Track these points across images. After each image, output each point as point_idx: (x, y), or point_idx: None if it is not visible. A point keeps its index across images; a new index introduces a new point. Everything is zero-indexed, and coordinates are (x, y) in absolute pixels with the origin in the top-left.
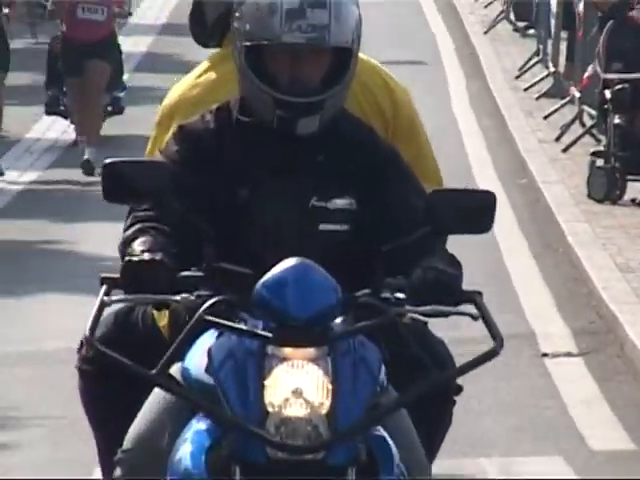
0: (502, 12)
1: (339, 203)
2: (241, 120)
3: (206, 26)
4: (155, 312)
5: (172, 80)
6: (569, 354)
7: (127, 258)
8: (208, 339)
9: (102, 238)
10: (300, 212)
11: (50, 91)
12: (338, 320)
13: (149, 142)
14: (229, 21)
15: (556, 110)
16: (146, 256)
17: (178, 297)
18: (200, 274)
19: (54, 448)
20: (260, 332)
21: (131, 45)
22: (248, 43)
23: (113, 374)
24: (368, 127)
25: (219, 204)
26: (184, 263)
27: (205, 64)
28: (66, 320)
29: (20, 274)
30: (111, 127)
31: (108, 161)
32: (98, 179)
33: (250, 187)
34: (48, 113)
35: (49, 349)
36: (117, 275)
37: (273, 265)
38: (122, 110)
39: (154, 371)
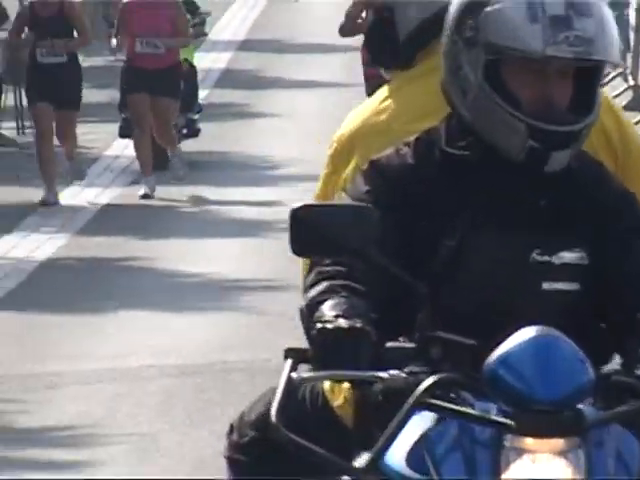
0: None
1: (567, 257)
2: (449, 153)
3: (395, 41)
4: (327, 388)
5: (251, 96)
6: None
7: (319, 325)
8: (413, 425)
9: (180, 254)
10: (520, 268)
11: (124, 114)
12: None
13: (320, 181)
14: (428, 33)
15: (636, 123)
16: (342, 322)
17: (385, 374)
18: (412, 345)
19: (139, 464)
20: (500, 419)
21: (210, 62)
22: (494, 57)
23: (271, 462)
24: (598, 163)
25: (422, 257)
26: (387, 331)
27: (387, 88)
28: (148, 336)
29: (101, 291)
30: (189, 143)
31: (297, 206)
32: (175, 197)
33: (459, 236)
34: (122, 136)
35: (132, 365)
36: (304, 347)
37: (491, 333)
38: (197, 133)
39: (362, 465)
